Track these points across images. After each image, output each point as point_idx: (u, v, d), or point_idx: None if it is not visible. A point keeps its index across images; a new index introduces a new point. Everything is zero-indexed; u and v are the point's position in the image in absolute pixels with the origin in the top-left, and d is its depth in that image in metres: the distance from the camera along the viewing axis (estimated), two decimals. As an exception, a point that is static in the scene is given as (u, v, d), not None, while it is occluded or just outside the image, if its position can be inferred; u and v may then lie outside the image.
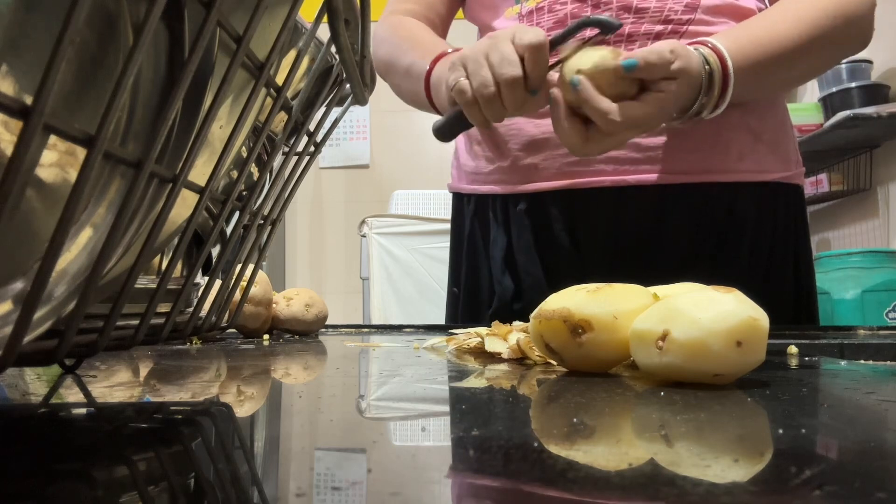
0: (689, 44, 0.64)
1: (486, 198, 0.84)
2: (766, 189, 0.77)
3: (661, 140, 0.74)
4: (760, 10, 0.76)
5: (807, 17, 0.68)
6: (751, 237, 0.77)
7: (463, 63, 0.63)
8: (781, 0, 0.71)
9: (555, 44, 0.61)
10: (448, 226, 0.95)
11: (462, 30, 0.93)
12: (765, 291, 0.76)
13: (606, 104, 0.58)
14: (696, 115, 0.66)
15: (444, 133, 0.67)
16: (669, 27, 0.72)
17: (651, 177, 0.74)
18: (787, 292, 0.79)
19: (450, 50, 0.73)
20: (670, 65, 0.59)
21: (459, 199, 0.90)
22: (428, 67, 0.73)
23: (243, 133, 0.30)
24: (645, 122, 0.60)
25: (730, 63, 0.64)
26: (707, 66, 0.63)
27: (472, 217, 0.86)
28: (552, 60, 0.61)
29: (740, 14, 0.74)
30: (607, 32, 0.60)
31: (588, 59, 0.59)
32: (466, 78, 0.62)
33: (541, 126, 0.75)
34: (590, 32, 0.61)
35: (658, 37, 0.72)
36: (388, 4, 0.89)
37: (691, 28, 0.72)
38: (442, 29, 0.89)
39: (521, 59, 0.59)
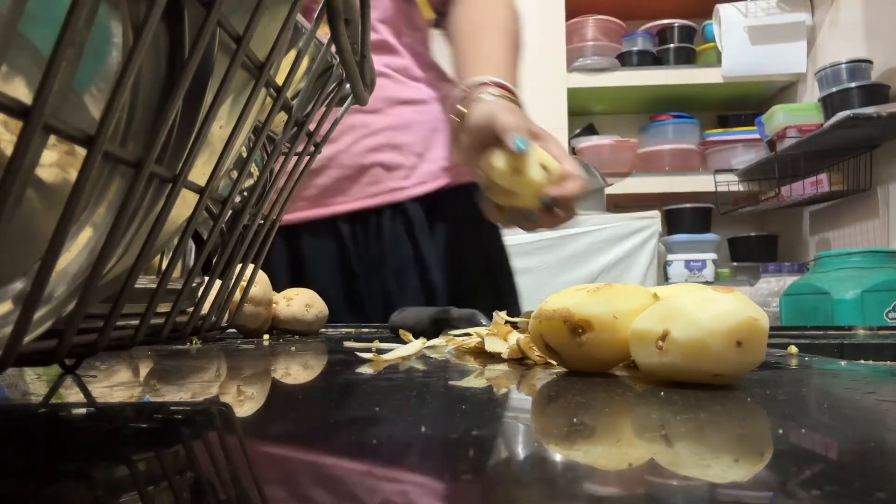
0: (475, 91, 0.71)
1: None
2: (433, 198, 0.89)
3: (323, 181, 0.87)
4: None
5: (499, 13, 0.82)
6: (436, 241, 0.89)
7: None
8: (470, 16, 0.84)
9: None
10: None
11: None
12: (457, 280, 0.89)
13: (569, 189, 0.64)
14: None
15: None
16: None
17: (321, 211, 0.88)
18: (482, 274, 0.92)
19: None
20: (526, 125, 0.66)
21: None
22: None
23: (243, 133, 0.30)
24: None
25: (510, 85, 0.73)
26: (508, 96, 0.71)
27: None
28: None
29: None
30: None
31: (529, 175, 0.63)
32: None
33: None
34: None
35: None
36: None
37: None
38: None
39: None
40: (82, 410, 0.28)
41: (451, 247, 0.92)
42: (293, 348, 0.54)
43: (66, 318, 0.22)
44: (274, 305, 0.68)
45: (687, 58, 2.65)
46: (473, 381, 0.34)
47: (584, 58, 2.57)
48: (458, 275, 0.91)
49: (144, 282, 0.35)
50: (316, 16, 0.33)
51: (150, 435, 0.23)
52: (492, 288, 0.94)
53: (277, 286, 0.70)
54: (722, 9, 2.54)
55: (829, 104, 2.08)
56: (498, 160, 0.62)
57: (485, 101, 0.69)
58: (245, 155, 0.40)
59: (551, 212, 0.65)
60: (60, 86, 0.16)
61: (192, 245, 0.44)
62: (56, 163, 0.23)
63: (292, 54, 0.37)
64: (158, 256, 0.38)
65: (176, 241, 0.30)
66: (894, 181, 2.07)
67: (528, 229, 0.69)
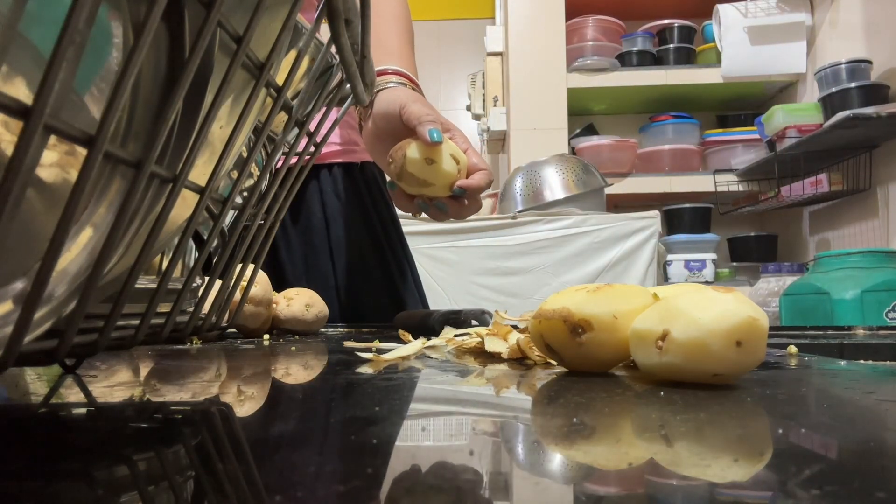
0: (380, 82, 0.73)
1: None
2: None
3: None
4: None
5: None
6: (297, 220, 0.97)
7: None
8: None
9: None
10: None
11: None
12: (347, 262, 0.94)
13: (479, 180, 0.65)
14: None
15: None
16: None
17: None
18: (373, 254, 0.96)
19: None
20: (436, 115, 0.67)
21: None
22: None
23: (244, 133, 0.30)
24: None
25: (411, 74, 0.75)
26: (410, 85, 0.73)
27: None
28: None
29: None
30: None
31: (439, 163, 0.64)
32: None
33: None
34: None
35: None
36: None
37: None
38: None
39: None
40: (82, 410, 0.28)
41: (331, 227, 0.95)
42: (293, 348, 0.54)
43: (67, 318, 0.22)
44: (274, 305, 0.68)
45: (687, 58, 2.65)
46: (473, 381, 0.34)
47: (584, 58, 2.57)
48: (346, 254, 0.95)
49: (144, 282, 0.35)
50: (316, 16, 0.33)
51: (150, 435, 0.23)
52: (382, 274, 0.97)
53: None
54: (722, 9, 2.54)
55: (829, 104, 2.08)
56: (412, 150, 0.63)
57: (389, 89, 0.70)
58: (245, 155, 0.40)
59: (460, 202, 0.67)
60: (61, 86, 0.16)
61: (192, 245, 0.44)
62: (56, 163, 0.23)
63: (292, 54, 0.37)
64: (158, 256, 0.38)
65: (176, 241, 0.30)
66: (894, 181, 2.07)
67: (438, 218, 0.70)
